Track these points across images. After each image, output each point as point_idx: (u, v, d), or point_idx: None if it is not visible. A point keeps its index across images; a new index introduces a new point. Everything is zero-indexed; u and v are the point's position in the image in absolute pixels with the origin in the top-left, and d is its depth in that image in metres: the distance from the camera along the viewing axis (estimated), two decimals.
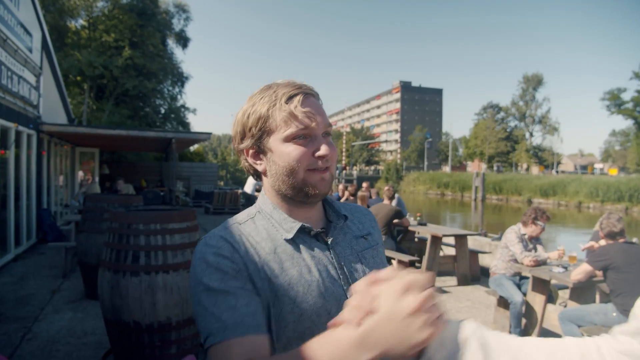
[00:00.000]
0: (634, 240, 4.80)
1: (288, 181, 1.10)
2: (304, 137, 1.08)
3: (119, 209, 4.16)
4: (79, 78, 26.10)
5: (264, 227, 1.14)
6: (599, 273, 4.23)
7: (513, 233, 5.19)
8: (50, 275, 7.29)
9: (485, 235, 10.33)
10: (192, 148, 32.05)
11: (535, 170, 73.33)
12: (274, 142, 1.10)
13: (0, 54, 7.59)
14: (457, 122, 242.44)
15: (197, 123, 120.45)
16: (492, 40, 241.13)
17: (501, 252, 5.34)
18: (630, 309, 3.05)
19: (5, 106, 7.93)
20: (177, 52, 33.39)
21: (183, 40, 32.73)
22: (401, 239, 9.11)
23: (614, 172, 64.99)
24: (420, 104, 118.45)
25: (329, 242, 1.17)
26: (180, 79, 32.85)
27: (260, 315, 1.00)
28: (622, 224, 4.26)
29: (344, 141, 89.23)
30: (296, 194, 1.12)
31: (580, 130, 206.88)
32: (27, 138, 9.44)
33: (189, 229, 3.81)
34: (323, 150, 1.08)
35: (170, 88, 32.91)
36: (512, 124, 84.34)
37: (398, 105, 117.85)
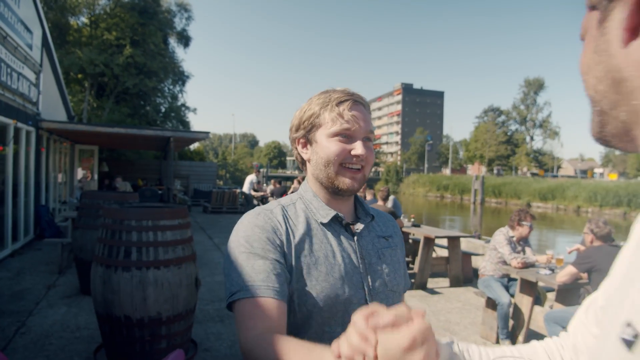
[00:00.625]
0: (622, 244, 4.85)
1: (324, 171, 1.27)
2: (345, 136, 1.25)
3: (113, 205, 4.23)
4: (80, 76, 26.18)
5: (302, 210, 1.31)
6: (584, 275, 4.30)
7: (501, 235, 5.26)
8: (46, 270, 7.35)
9: (479, 238, 10.39)
10: (192, 147, 32.12)
11: (535, 174, 73.23)
12: (320, 135, 1.28)
13: (0, 51, 7.67)
14: (458, 125, 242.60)
15: (198, 122, 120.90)
16: (494, 43, 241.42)
17: (490, 254, 5.41)
18: None
19: (4, 103, 7.99)
20: (179, 51, 33.58)
21: (184, 39, 32.80)
22: None
23: (613, 177, 65.03)
24: (422, 107, 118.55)
25: (356, 234, 1.32)
26: (181, 77, 32.92)
27: (286, 286, 1.17)
28: (609, 227, 4.34)
29: None
30: (329, 185, 1.29)
31: (581, 134, 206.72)
32: (26, 135, 9.51)
33: (180, 226, 3.88)
34: (359, 149, 1.25)
35: (171, 87, 33.03)
36: (513, 127, 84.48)
37: (399, 107, 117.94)
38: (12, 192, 8.65)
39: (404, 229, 8.52)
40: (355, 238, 1.31)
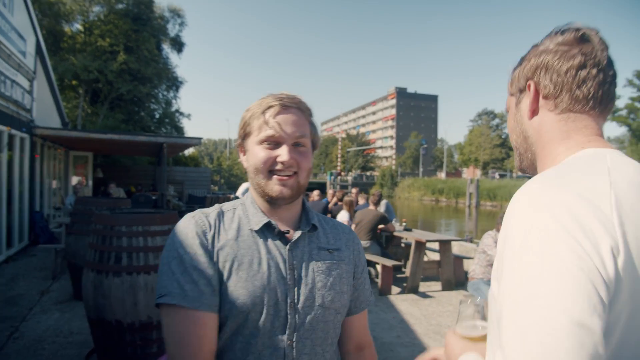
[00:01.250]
0: None
1: (255, 179, 1.27)
2: (271, 142, 1.24)
3: (104, 211, 4.29)
4: (74, 82, 26.21)
5: (239, 217, 1.29)
6: None
7: (489, 238, 5.34)
8: (40, 276, 7.40)
9: (471, 241, 10.47)
10: (187, 152, 32.17)
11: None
12: (250, 143, 1.28)
13: None
14: (452, 128, 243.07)
15: (192, 128, 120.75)
16: (487, 47, 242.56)
17: (479, 257, 5.49)
18: None
19: None
20: (172, 57, 33.48)
21: (178, 45, 32.84)
22: (387, 244, 9.24)
23: None
24: (416, 110, 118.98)
25: (289, 244, 1.27)
26: (174, 83, 32.96)
27: (214, 295, 1.16)
28: None
29: (340, 147, 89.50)
30: (262, 192, 1.27)
31: None
32: (20, 141, 9.55)
33: (170, 232, 3.94)
34: (283, 155, 1.23)
35: (165, 93, 33.04)
36: (507, 130, 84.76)
37: (394, 111, 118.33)
38: (7, 199, 8.69)
39: (396, 233, 8.60)
40: (288, 247, 1.27)
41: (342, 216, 8.28)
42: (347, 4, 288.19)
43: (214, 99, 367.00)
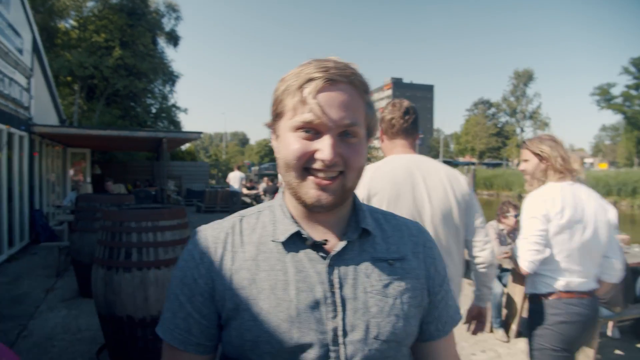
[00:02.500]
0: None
1: (285, 176, 0.95)
2: (309, 130, 0.91)
3: (111, 208, 4.29)
4: (69, 78, 26.11)
5: (262, 225, 1.01)
6: None
7: (491, 229, 5.37)
8: (43, 275, 7.39)
9: None
10: (183, 147, 32.14)
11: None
12: (282, 127, 0.95)
13: None
14: (449, 118, 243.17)
15: (188, 122, 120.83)
16: (483, 36, 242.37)
17: None
18: (602, 298, 3.23)
19: None
20: (168, 51, 33.47)
21: (174, 39, 32.72)
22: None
23: (603, 166, 65.53)
24: (412, 100, 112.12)
25: (331, 258, 0.96)
26: (171, 78, 32.88)
27: (207, 336, 0.99)
28: None
29: None
30: (294, 195, 0.96)
31: (571, 125, 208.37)
32: (19, 140, 9.52)
33: (179, 226, 3.95)
34: (325, 151, 0.89)
35: (161, 87, 32.97)
36: (503, 119, 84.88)
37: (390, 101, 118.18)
38: (7, 197, 8.67)
39: None
40: (328, 262, 0.95)
41: None
42: None
43: (208, 93, 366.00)
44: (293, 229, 0.96)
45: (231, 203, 17.61)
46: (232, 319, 0.94)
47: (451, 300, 1.12)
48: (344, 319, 0.92)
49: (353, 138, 0.93)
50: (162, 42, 32.22)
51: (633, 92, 63.92)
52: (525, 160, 2.70)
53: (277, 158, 0.99)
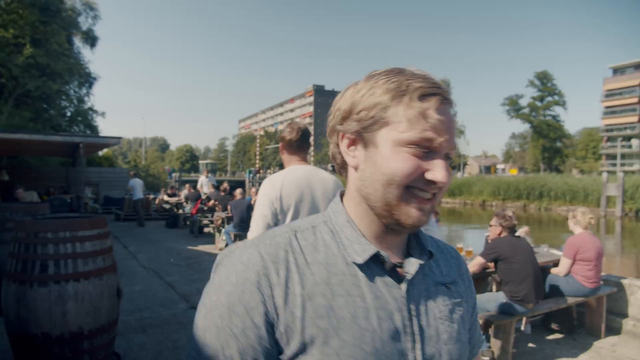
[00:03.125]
0: (519, 234, 5.26)
1: (382, 192, 0.84)
2: (424, 148, 0.83)
3: (24, 217, 4.03)
4: None
5: (323, 242, 0.89)
6: (491, 264, 4.65)
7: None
8: None
9: None
10: (100, 152, 30.78)
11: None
12: (384, 138, 0.84)
13: None
14: None
15: (106, 126, 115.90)
16: (398, 44, 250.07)
17: None
18: (517, 296, 3.72)
19: None
20: (85, 52, 31.95)
21: (91, 39, 31.31)
22: None
23: (514, 171, 69.67)
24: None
25: (405, 282, 0.88)
26: (87, 80, 31.38)
27: None
28: (515, 220, 4.72)
29: (258, 145, 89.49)
30: (385, 213, 0.86)
31: (484, 133, 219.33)
32: None
33: (99, 236, 3.77)
34: (438, 174, 0.83)
35: (77, 89, 31.41)
36: None
37: (312, 108, 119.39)
38: None
39: None
40: (404, 287, 0.88)
41: None
42: (264, 1, 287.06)
43: (127, 97, 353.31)
44: (371, 249, 0.86)
45: (152, 210, 17.07)
46: (302, 355, 0.80)
47: (477, 321, 1.10)
48: (422, 349, 0.86)
49: (449, 161, 0.88)
50: (78, 41, 30.76)
51: (538, 104, 68.69)
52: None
53: (360, 168, 0.89)
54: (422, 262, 0.90)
